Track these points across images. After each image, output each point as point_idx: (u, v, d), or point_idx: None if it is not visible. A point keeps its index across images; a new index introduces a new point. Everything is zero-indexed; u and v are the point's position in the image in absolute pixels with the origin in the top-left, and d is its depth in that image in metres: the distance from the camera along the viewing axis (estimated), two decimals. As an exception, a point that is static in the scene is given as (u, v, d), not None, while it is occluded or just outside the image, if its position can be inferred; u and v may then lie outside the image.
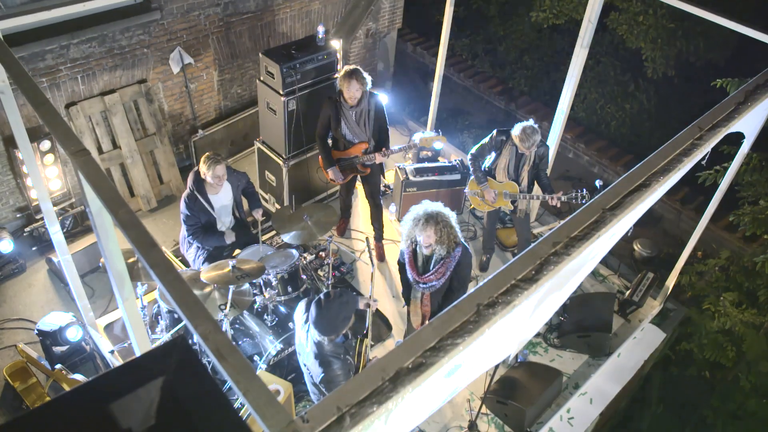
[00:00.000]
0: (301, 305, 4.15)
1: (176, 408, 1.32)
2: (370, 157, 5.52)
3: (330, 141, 5.66)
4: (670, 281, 5.66)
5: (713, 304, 6.01)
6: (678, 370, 6.73)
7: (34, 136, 5.55)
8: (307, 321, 3.98)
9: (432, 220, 4.02)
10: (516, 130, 5.17)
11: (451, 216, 4.14)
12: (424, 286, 4.32)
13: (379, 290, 5.85)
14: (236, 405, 3.59)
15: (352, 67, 5.24)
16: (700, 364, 6.45)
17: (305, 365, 4.07)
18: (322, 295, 3.84)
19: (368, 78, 5.28)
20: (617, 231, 2.55)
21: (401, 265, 4.53)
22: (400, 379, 1.71)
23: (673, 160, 2.77)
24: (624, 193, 2.53)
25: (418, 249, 4.29)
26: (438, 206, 4.14)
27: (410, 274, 4.36)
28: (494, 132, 5.40)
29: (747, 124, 3.86)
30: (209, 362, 3.77)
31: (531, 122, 5.20)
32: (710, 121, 3.09)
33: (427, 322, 4.44)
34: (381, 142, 5.57)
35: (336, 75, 6.17)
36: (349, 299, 3.89)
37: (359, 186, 6.21)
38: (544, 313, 2.70)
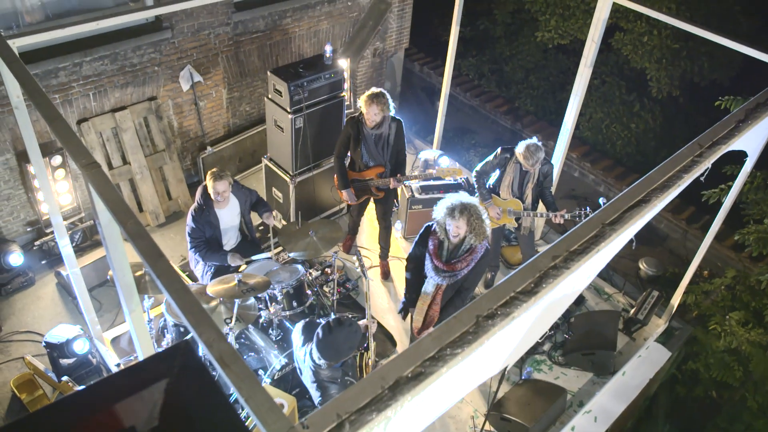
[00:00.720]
0: (299, 327, 4.19)
1: (179, 409, 1.35)
2: (384, 182, 5.55)
3: (347, 160, 5.71)
4: (675, 299, 5.66)
5: (719, 323, 6.00)
6: (685, 389, 6.69)
7: (46, 151, 5.64)
8: (305, 343, 4.01)
9: (466, 211, 4.14)
10: (520, 148, 5.22)
11: (483, 212, 4.25)
12: (447, 274, 4.33)
13: (384, 306, 5.88)
14: (242, 416, 3.61)
15: (377, 90, 5.23)
16: (707, 383, 6.42)
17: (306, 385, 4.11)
18: (331, 320, 3.84)
19: (391, 103, 5.27)
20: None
21: (415, 259, 4.52)
22: (399, 388, 1.74)
23: (673, 177, 2.80)
24: (624, 209, 2.56)
25: (445, 239, 4.34)
26: (473, 199, 4.27)
27: (433, 264, 4.36)
28: (498, 149, 5.45)
29: (749, 143, 3.89)
30: (216, 373, 3.80)
31: (535, 140, 5.25)
32: (710, 139, 3.13)
33: (431, 328, 4.43)
34: (397, 167, 5.60)
35: (343, 93, 6.26)
36: (357, 330, 3.90)
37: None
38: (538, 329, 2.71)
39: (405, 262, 4.74)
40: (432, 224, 4.40)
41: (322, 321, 3.92)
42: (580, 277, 2.51)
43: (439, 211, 4.27)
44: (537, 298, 2.13)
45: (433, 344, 1.88)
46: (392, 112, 5.34)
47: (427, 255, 4.40)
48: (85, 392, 1.34)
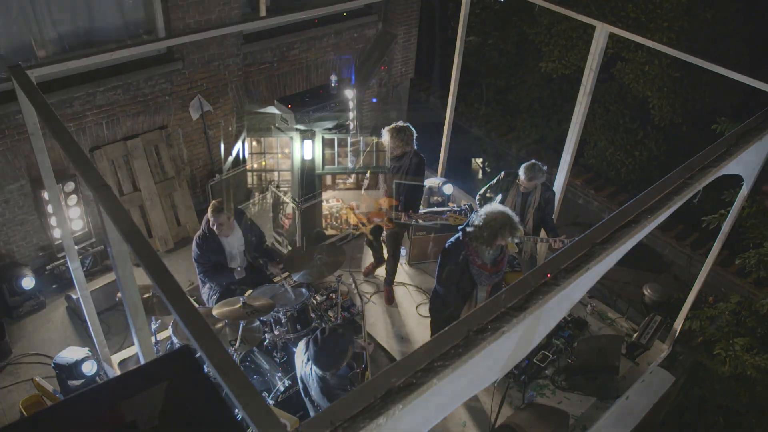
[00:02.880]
0: (301, 345, 4.27)
1: (179, 409, 1.43)
2: (397, 214, 5.63)
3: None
4: (678, 324, 5.67)
5: (724, 348, 5.98)
6: (693, 416, 6.64)
7: (59, 177, 5.79)
8: (309, 360, 4.10)
9: (518, 229, 4.40)
10: (522, 166, 5.34)
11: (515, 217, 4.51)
12: (497, 274, 4.62)
13: (388, 331, 5.91)
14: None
15: (402, 125, 5.32)
16: (714, 410, 6.37)
17: (313, 403, 4.16)
18: (318, 332, 3.99)
19: (414, 137, 5.34)
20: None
21: (451, 279, 4.65)
22: (390, 397, 1.81)
23: (663, 199, 2.89)
24: (614, 228, 2.64)
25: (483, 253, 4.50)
26: (508, 209, 4.49)
27: (484, 274, 4.55)
28: (501, 174, 5.57)
29: (744, 167, 3.97)
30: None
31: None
32: (701, 162, 3.23)
33: None
34: (410, 202, 5.63)
35: (348, 122, 6.41)
36: (344, 334, 4.03)
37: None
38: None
39: (438, 285, 4.82)
40: (456, 242, 4.56)
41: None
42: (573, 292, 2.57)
43: (487, 234, 4.34)
44: (527, 314, 2.21)
45: (424, 356, 1.96)
46: (414, 146, 5.41)
47: (474, 269, 4.55)
48: (89, 393, 1.43)
